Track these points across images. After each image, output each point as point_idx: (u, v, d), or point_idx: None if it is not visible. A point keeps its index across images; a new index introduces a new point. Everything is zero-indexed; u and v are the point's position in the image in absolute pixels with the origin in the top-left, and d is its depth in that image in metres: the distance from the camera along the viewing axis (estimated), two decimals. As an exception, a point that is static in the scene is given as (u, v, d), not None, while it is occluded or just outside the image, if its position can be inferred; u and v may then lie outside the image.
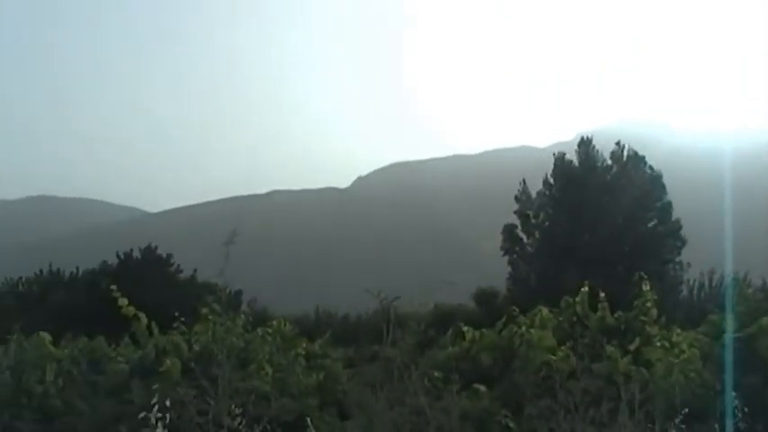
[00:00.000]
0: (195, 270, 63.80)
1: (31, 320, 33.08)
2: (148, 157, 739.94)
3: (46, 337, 12.77)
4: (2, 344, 14.71)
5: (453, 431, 8.29)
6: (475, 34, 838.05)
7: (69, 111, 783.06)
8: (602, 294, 14.74)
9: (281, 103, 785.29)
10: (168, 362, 10.49)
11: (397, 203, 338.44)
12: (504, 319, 15.36)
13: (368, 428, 10.24)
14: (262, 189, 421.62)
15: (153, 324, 12.70)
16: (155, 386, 9.92)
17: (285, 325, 16.29)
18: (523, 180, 65.65)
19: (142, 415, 5.71)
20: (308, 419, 7.02)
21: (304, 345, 15.92)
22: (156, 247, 63.33)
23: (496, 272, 66.77)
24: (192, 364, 9.69)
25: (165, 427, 5.42)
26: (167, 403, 6.48)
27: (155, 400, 5.77)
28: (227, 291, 51.46)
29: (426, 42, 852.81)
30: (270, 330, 14.17)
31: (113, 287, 12.44)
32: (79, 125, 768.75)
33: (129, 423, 8.94)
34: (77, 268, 67.05)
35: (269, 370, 11.47)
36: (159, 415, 5.78)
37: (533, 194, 64.87)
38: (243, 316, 13.13)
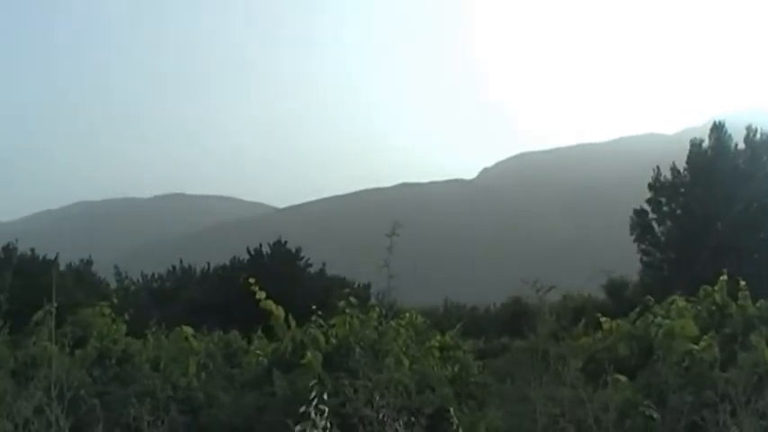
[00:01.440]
0: (324, 264, 64.24)
1: (165, 315, 33.67)
2: (276, 154, 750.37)
3: (187, 330, 12.91)
4: (139, 338, 15.00)
5: (601, 421, 8.10)
6: (602, 20, 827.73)
7: (200, 111, 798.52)
8: (743, 283, 14.37)
9: (405, 96, 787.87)
10: (309, 354, 10.49)
11: (523, 194, 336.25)
12: (638, 309, 15.06)
13: (514, 418, 10.13)
14: (388, 182, 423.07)
15: (290, 317, 12.76)
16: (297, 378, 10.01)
17: (416, 317, 16.22)
18: (657, 167, 64.31)
19: (311, 403, 5.65)
20: (451, 410, 6.94)
21: (438, 337, 15.84)
22: (286, 242, 63.89)
23: (624, 262, 65.75)
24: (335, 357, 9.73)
25: (324, 418, 5.35)
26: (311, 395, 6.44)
27: (314, 393, 5.71)
28: (357, 284, 51.32)
29: (552, 28, 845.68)
30: (402, 323, 14.10)
31: (251, 281, 12.51)
32: (209, 125, 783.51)
33: (272, 415, 8.99)
34: (208, 264, 68.12)
35: (406, 362, 11.42)
36: (304, 408, 5.70)
37: (664, 181, 63.65)
38: (377, 308, 13.09)
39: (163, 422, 6.74)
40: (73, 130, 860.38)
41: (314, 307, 12.51)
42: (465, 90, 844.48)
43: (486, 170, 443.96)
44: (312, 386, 5.81)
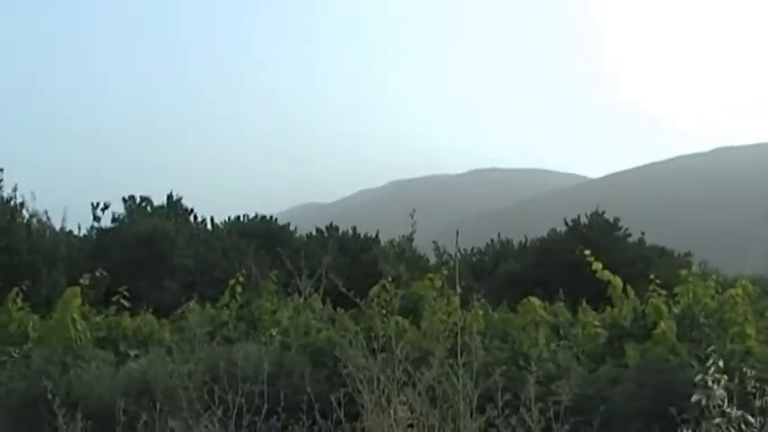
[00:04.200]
0: (643, 233, 63.02)
1: (485, 289, 34.01)
2: (587, 124, 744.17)
3: (535, 301, 12.96)
4: (468, 311, 15.20)
5: None
6: None
7: (515, 84, 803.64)
8: None
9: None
10: (663, 324, 10.26)
11: None
12: None
13: None
14: (705, 147, 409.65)
15: (628, 287, 12.59)
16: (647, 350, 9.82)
17: (749, 286, 15.60)
18: None
19: (699, 377, 5.50)
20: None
21: (775, 304, 15.21)
22: (603, 212, 63.13)
23: None
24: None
25: (720, 387, 5.17)
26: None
27: (710, 362, 5.53)
28: (677, 253, 49.94)
29: None
30: (738, 291, 13.56)
31: (587, 252, 12.44)
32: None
33: (625, 386, 8.88)
34: (525, 237, 68.32)
35: (752, 332, 10.94)
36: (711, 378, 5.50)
37: None
38: (714, 277, 12.70)
39: (550, 393, 6.79)
40: (386, 112, 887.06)
41: (651, 276, 12.28)
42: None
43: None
44: (709, 353, 5.63)
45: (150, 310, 17.84)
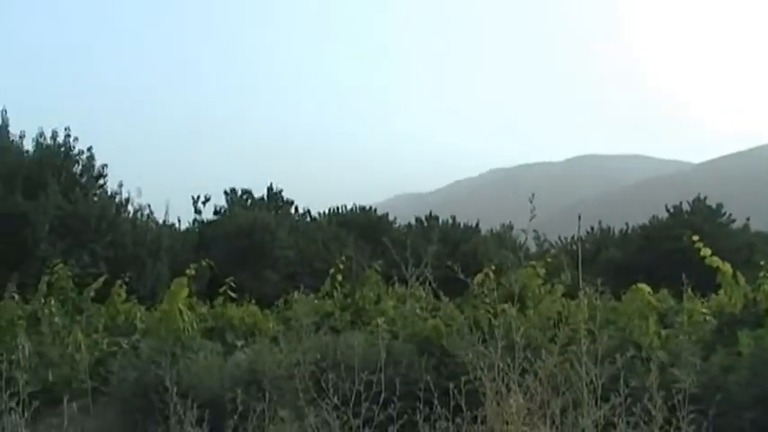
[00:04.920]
0: (748, 219, 61.94)
1: (585, 277, 33.57)
2: (678, 107, 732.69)
3: (644, 288, 12.84)
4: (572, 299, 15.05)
5: None
6: None
7: (607, 71, 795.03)
8: None
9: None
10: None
11: None
12: None
13: None
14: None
15: (738, 273, 12.37)
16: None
17: None
18: None
19: None
20: None
21: None
22: (706, 198, 62.15)
23: None
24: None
25: None
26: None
27: None
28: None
29: None
30: None
31: (695, 238, 12.28)
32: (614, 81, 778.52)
33: (739, 374, 8.76)
34: (627, 224, 67.64)
35: None
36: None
37: None
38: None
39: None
40: (484, 101, 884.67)
41: (762, 263, 12.07)
42: None
43: None
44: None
45: (252, 301, 18.00)
